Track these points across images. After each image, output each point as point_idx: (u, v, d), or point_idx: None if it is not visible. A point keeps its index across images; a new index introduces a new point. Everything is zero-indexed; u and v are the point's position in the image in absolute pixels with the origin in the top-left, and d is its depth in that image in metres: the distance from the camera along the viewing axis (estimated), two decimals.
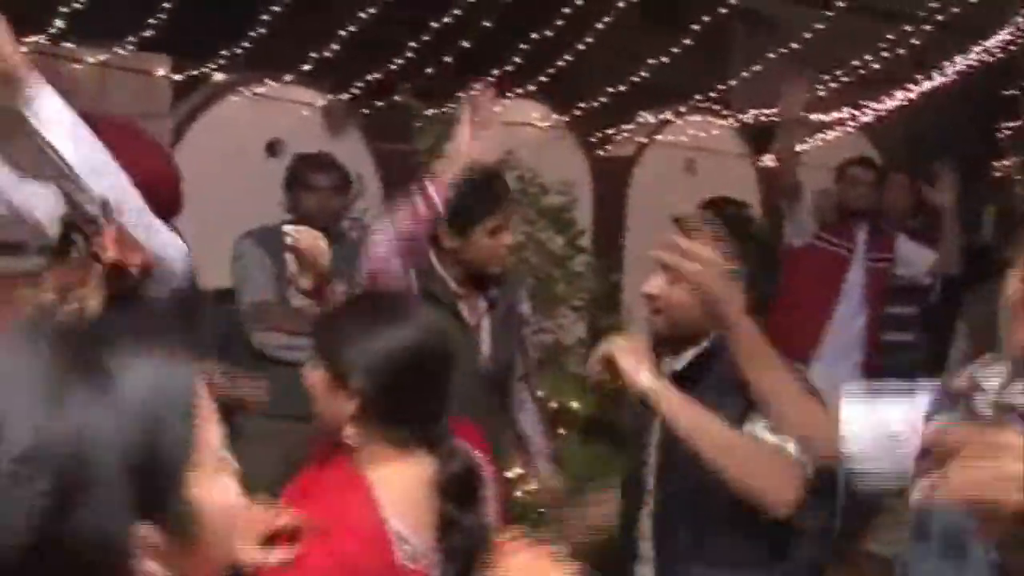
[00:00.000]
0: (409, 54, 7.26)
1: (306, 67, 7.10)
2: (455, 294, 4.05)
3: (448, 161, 3.74)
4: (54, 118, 2.84)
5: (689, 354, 3.09)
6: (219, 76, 7.22)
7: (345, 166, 5.53)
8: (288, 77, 7.32)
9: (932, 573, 2.30)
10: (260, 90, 7.35)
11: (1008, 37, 9.14)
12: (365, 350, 2.34)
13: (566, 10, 7.39)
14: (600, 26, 7.66)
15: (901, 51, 9.13)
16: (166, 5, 6.04)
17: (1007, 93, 11.09)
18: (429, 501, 2.36)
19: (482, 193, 3.97)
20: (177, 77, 6.99)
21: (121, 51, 6.64)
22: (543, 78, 8.05)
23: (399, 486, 2.35)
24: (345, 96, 7.62)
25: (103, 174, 2.89)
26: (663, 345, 3.09)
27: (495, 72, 7.45)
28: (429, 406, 2.42)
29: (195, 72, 7.09)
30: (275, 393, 4.67)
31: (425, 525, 2.35)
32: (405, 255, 3.73)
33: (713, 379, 2.97)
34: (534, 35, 7.57)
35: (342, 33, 6.89)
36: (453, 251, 4.01)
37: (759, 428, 2.84)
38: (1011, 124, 11.50)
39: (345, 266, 5.18)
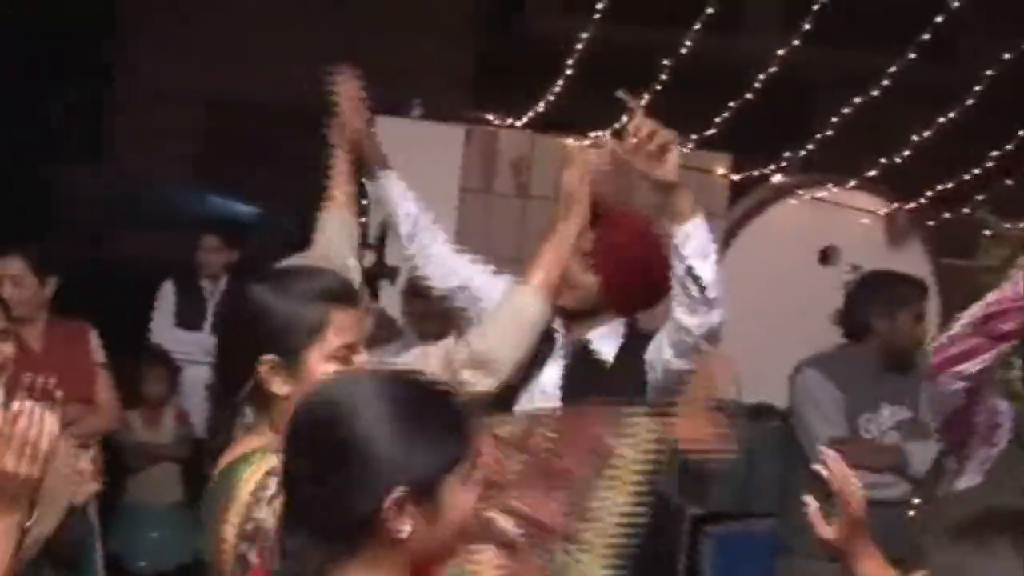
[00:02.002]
0: (987, 164, 6.73)
1: (871, 173, 6.75)
2: None
3: None
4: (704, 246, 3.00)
5: None
6: (778, 178, 7.02)
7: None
8: (851, 182, 7.00)
9: None
10: (819, 194, 7.07)
11: None
12: None
13: None
14: None
15: None
16: (730, 104, 5.91)
17: None
18: None
19: None
20: (735, 177, 6.86)
21: (683, 147, 6.59)
22: None
23: None
24: (910, 205, 7.17)
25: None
26: None
27: None
28: None
29: (754, 172, 6.93)
30: None
31: None
32: (980, 347, 3.11)
33: None
34: None
35: (914, 138, 6.49)
36: None
37: None
38: None
39: (899, 396, 4.78)
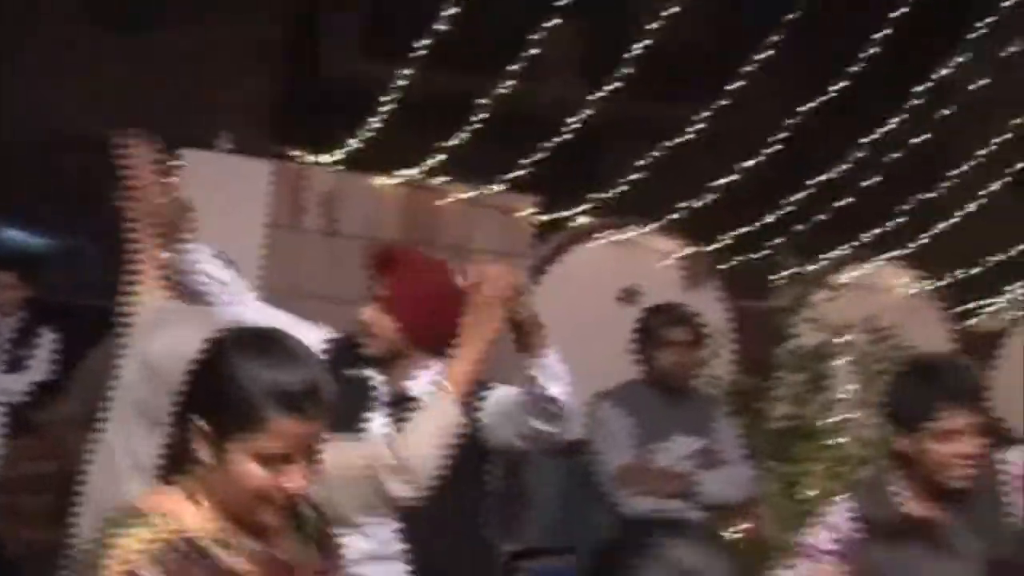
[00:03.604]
0: (786, 208, 7.03)
1: (673, 215, 6.97)
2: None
3: None
4: (558, 374, 3.24)
5: None
6: (582, 219, 7.17)
7: (701, 318, 5.28)
8: (653, 224, 7.20)
9: None
10: (620, 236, 7.24)
11: None
12: None
13: (955, 171, 7.07)
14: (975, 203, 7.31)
15: None
16: (544, 144, 6.04)
17: None
18: None
19: (930, 383, 3.22)
20: (541, 218, 6.97)
21: (490, 189, 6.70)
22: (916, 243, 7.66)
23: None
24: (708, 247, 7.42)
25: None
26: None
27: (867, 234, 7.13)
28: None
29: (559, 215, 7.06)
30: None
31: None
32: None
33: None
34: (915, 197, 7.26)
35: (715, 183, 6.74)
36: (902, 456, 3.26)
37: None
38: None
39: (693, 427, 4.98)
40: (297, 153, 6.61)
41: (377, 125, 6.37)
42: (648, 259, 7.39)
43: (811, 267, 7.41)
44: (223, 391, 2.07)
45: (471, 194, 6.71)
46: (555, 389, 3.24)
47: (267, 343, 2.15)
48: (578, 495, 5.11)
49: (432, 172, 6.62)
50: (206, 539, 2.06)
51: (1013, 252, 8.08)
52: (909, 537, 2.00)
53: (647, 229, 7.30)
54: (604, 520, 4.84)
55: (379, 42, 9.31)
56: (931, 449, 3.16)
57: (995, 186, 7.57)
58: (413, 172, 6.59)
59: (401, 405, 3.46)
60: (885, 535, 2.04)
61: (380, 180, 6.58)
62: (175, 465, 2.15)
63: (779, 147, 6.70)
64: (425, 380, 3.46)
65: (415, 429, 2.79)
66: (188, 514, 2.09)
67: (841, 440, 6.38)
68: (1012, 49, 6.87)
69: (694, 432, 4.97)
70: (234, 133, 6.55)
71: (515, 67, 6.24)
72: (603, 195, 7.08)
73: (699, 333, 5.13)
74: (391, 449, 2.74)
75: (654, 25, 5.79)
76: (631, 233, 7.30)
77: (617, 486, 4.79)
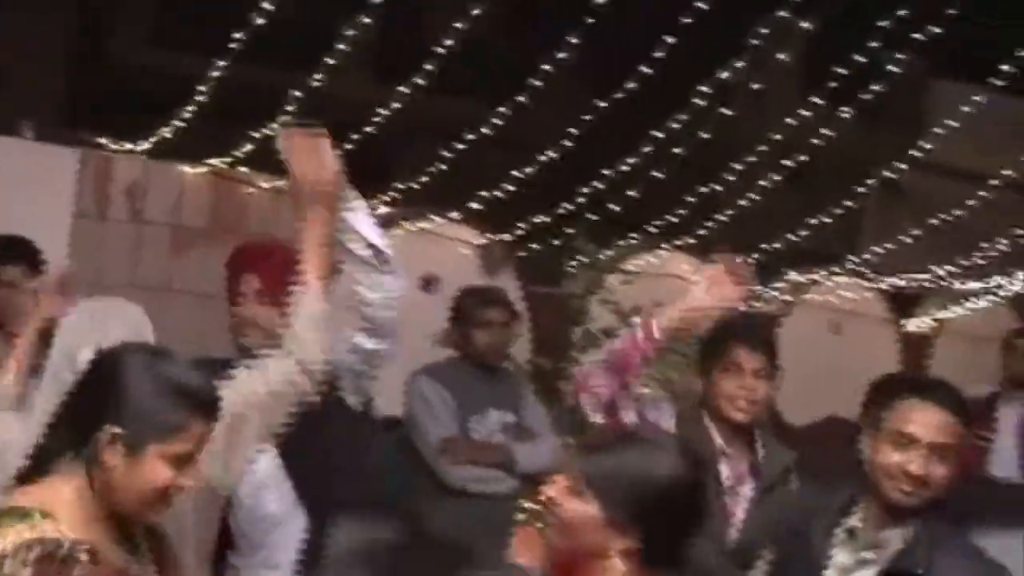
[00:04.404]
0: (579, 200, 7.35)
1: (471, 206, 7.21)
2: (719, 451, 3.67)
3: (673, 308, 3.46)
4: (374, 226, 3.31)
5: None
6: (384, 209, 7.36)
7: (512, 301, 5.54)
8: (452, 214, 7.44)
9: None
10: (422, 225, 7.47)
11: None
12: (640, 494, 2.28)
13: (735, 166, 7.50)
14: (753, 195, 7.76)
15: None
16: (353, 136, 6.19)
17: None
18: None
19: (726, 328, 3.68)
20: None
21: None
22: (700, 232, 8.09)
23: None
24: (505, 237, 7.70)
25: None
26: None
27: (655, 223, 7.50)
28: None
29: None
30: (467, 525, 4.68)
31: None
32: (613, 377, 3.43)
33: None
34: (701, 189, 7.67)
35: (516, 174, 7.00)
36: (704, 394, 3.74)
37: None
38: None
39: (504, 402, 5.25)
40: (103, 142, 6.62)
41: (187, 115, 6.43)
42: (447, 248, 7.65)
43: (603, 254, 7.79)
44: (142, 399, 2.24)
45: (276, 183, 6.83)
46: (379, 241, 3.28)
47: (168, 355, 2.36)
48: (398, 469, 5.29)
49: (238, 162, 6.73)
50: (78, 545, 2.17)
51: (789, 240, 8.59)
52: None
53: (446, 219, 7.55)
54: (424, 491, 5.03)
55: (176, 32, 9.31)
56: (720, 383, 3.63)
57: (772, 179, 8.02)
58: (220, 161, 6.69)
59: None
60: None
61: (187, 169, 6.66)
62: (44, 466, 2.29)
63: (573, 141, 6.99)
64: None
65: (304, 329, 2.88)
66: (69, 516, 2.21)
67: None
68: (783, 56, 7.34)
69: (506, 407, 5.19)
70: (38, 121, 6.54)
71: (323, 61, 6.36)
72: (403, 185, 7.27)
73: (512, 314, 5.39)
74: (292, 354, 2.85)
75: (458, 24, 6.00)
76: (430, 223, 7.53)
77: (440, 457, 4.99)
